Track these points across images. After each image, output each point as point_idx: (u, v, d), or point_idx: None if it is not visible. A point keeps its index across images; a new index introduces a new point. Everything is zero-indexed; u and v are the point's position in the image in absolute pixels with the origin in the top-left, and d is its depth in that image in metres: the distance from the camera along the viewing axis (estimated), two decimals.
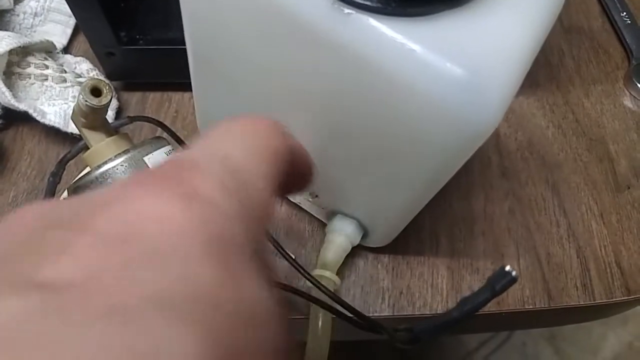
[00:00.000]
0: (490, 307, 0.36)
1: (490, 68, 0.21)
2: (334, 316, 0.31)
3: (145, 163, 0.29)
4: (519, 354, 1.20)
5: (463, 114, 0.21)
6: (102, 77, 0.40)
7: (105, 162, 0.29)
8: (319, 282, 0.31)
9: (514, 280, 0.21)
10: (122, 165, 0.29)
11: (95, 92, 0.27)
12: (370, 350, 1.07)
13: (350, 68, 0.21)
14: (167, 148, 0.31)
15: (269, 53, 0.24)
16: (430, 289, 0.36)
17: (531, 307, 0.36)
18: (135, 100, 0.43)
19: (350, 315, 0.29)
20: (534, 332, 1.21)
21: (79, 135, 0.37)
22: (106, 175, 0.29)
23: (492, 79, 0.21)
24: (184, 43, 0.39)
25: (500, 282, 0.21)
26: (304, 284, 0.34)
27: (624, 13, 0.48)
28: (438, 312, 0.35)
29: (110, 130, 0.31)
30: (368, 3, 0.20)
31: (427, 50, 0.20)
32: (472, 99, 0.21)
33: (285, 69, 0.24)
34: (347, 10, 0.20)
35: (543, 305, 0.36)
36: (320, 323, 0.31)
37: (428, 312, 0.35)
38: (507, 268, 0.21)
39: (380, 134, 0.24)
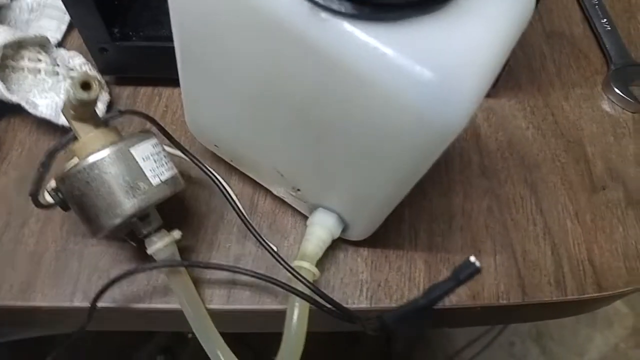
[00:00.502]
0: (466, 302, 0.37)
1: (458, 72, 0.22)
2: (310, 306, 0.32)
3: (132, 154, 0.31)
4: (506, 354, 1.21)
5: (432, 115, 0.22)
6: (94, 72, 0.41)
7: (93, 153, 0.30)
8: (298, 273, 0.32)
9: (477, 270, 0.22)
10: (109, 157, 0.30)
11: (85, 86, 0.28)
12: (354, 351, 1.08)
13: (327, 69, 0.23)
14: (154, 141, 0.32)
15: (252, 53, 0.25)
16: (407, 282, 0.37)
17: (505, 302, 0.37)
18: (126, 94, 0.44)
19: (327, 305, 0.31)
20: (521, 331, 1.23)
21: (70, 127, 0.38)
22: (93, 166, 0.30)
23: (460, 82, 0.22)
24: (171, 40, 0.40)
25: (464, 272, 0.22)
26: (284, 275, 0.35)
27: (605, 20, 0.50)
28: None
29: (99, 123, 0.32)
30: (343, 9, 0.21)
31: (398, 53, 0.21)
32: (441, 100, 0.22)
33: (267, 69, 0.25)
34: (323, 16, 0.21)
35: (517, 301, 0.37)
36: (296, 312, 0.32)
37: None
38: (472, 259, 0.22)
39: (356, 132, 0.25)
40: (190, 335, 1.13)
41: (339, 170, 0.30)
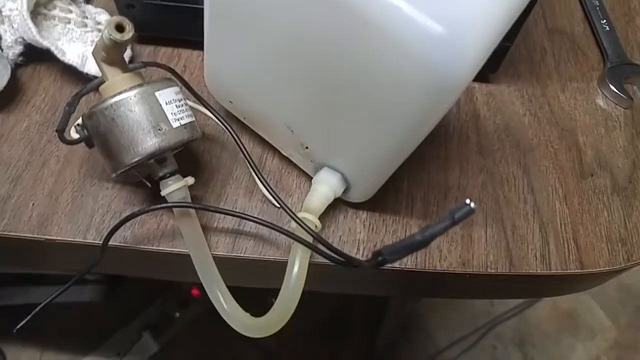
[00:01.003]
0: (457, 268, 0.39)
1: (467, 27, 0.24)
2: (311, 259, 0.34)
3: (156, 97, 0.33)
4: (488, 357, 1.23)
5: (440, 66, 0.24)
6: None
7: (120, 93, 0.32)
8: (302, 221, 0.34)
9: (471, 211, 0.24)
10: (135, 97, 0.32)
11: (119, 28, 0.31)
12: (338, 350, 1.11)
13: (347, 21, 0.25)
14: (177, 88, 0.34)
15: (281, 6, 0.28)
16: None
17: (493, 271, 0.40)
18: (147, 52, 0.46)
19: (328, 251, 0.33)
20: (504, 336, 1.25)
21: (93, 76, 0.41)
22: (120, 103, 0.32)
23: (467, 38, 0.24)
24: (196, 2, 0.43)
25: (459, 212, 0.24)
26: (288, 227, 0.37)
27: (604, 20, 0.52)
28: (407, 265, 0.39)
29: (126, 68, 0.34)
30: None
31: (411, 7, 0.24)
32: (449, 53, 0.24)
33: (292, 21, 0.28)
34: None
35: (504, 271, 0.40)
36: (298, 260, 0.35)
37: (398, 266, 0.39)
38: (467, 201, 0.24)
39: (369, 83, 0.27)
40: (177, 315, 1.15)
41: (347, 124, 0.32)
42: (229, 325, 0.35)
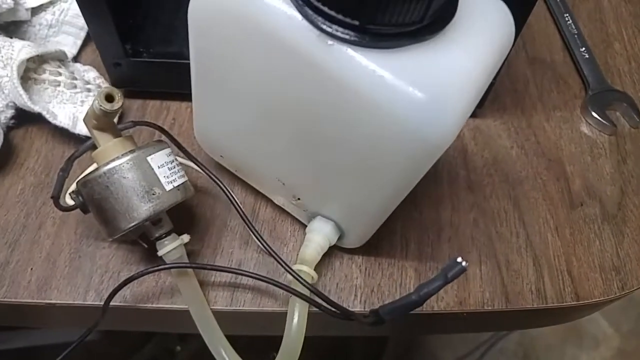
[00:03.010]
0: (453, 308, 0.40)
1: (446, 93, 0.25)
2: (310, 308, 0.35)
3: (149, 162, 0.33)
4: None
5: (423, 130, 0.25)
6: (108, 85, 0.44)
7: (113, 160, 0.33)
8: (298, 275, 0.35)
9: (463, 269, 0.25)
10: (127, 163, 0.33)
11: (109, 98, 0.31)
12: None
13: (331, 88, 0.26)
14: (168, 150, 0.35)
15: (263, 72, 0.28)
16: (399, 288, 0.40)
17: (490, 308, 0.40)
18: (136, 106, 0.47)
19: (325, 304, 0.33)
20: (508, 350, 1.25)
21: (85, 136, 0.41)
22: (113, 171, 0.33)
23: (448, 102, 0.25)
24: (182, 57, 0.44)
25: (451, 271, 0.25)
26: (284, 279, 0.38)
27: (583, 48, 0.53)
28: None
29: (117, 133, 0.35)
30: (347, 37, 0.24)
31: (394, 76, 0.24)
32: (431, 118, 0.25)
33: (276, 86, 0.28)
34: (329, 42, 0.24)
35: (501, 307, 0.40)
36: (296, 313, 0.35)
37: None
38: (458, 259, 0.25)
39: (354, 146, 0.28)
40: (178, 349, 1.15)
41: (337, 180, 0.33)
42: None
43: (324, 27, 0.24)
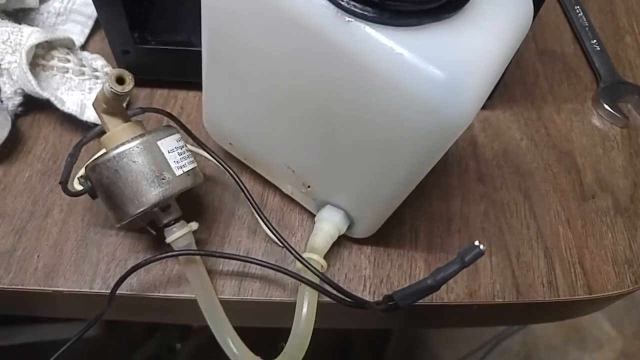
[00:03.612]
0: (464, 299, 0.39)
1: (466, 72, 0.24)
2: (319, 299, 0.34)
3: (158, 147, 0.33)
4: None
5: (442, 110, 0.25)
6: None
7: (123, 144, 0.32)
8: (308, 263, 0.34)
9: (481, 253, 0.24)
10: (137, 147, 0.32)
11: (120, 80, 0.31)
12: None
13: (348, 67, 0.25)
14: (178, 135, 0.35)
15: (279, 52, 0.28)
16: (408, 278, 0.39)
17: (500, 300, 0.39)
18: (143, 95, 0.46)
19: (336, 293, 0.33)
20: (510, 350, 1.24)
21: (92, 123, 0.41)
22: (122, 155, 0.32)
23: (467, 82, 0.25)
24: (190, 45, 0.43)
25: (468, 255, 0.24)
26: (293, 268, 0.37)
27: (594, 41, 0.53)
28: None
29: (127, 117, 0.34)
30: (365, 13, 0.23)
31: (413, 55, 0.24)
32: (450, 97, 0.24)
33: (292, 67, 0.28)
34: (347, 19, 0.24)
35: (512, 299, 0.39)
36: (306, 302, 0.34)
37: None
38: (476, 243, 0.24)
39: (371, 126, 0.28)
40: (179, 346, 1.14)
41: (349, 165, 0.32)
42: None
43: (342, 3, 0.23)
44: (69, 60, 0.40)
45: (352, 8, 0.23)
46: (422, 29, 0.24)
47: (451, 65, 0.24)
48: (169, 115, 0.37)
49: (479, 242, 0.25)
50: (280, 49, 0.28)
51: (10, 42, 0.39)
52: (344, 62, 0.25)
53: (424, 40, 0.24)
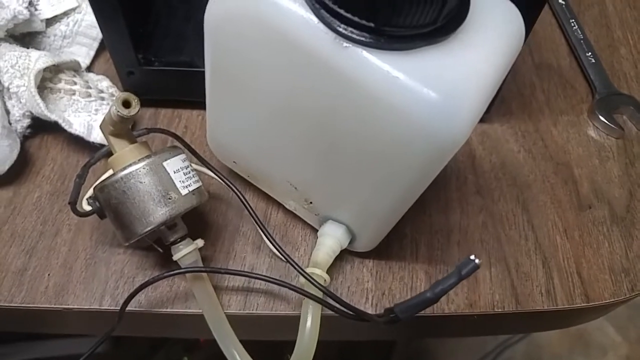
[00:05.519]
0: (464, 310, 0.40)
1: (460, 94, 0.25)
2: (322, 312, 0.35)
3: (164, 167, 0.34)
4: None
5: (437, 131, 0.26)
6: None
7: (130, 165, 0.33)
8: (312, 278, 0.35)
9: (476, 267, 0.25)
10: (144, 168, 0.33)
11: (126, 104, 0.32)
12: None
13: (346, 90, 0.26)
14: (183, 155, 0.36)
15: (279, 76, 0.29)
16: (409, 291, 0.40)
17: (500, 310, 0.40)
18: (148, 115, 0.48)
19: (339, 306, 0.34)
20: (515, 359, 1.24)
21: (99, 144, 0.42)
22: (130, 176, 0.33)
23: (461, 102, 0.26)
24: (193, 66, 0.45)
25: (465, 268, 0.25)
26: (297, 282, 0.38)
27: (589, 53, 0.54)
28: None
29: (133, 139, 0.35)
30: (362, 39, 0.24)
31: (408, 77, 0.25)
32: (445, 118, 0.25)
33: (292, 89, 0.29)
34: (345, 44, 0.25)
35: (511, 309, 0.40)
36: (310, 316, 0.35)
37: None
38: (472, 257, 0.25)
39: (368, 147, 0.29)
40: (185, 359, 1.15)
41: (350, 182, 0.33)
42: None
43: (340, 29, 0.24)
44: (75, 83, 0.42)
45: (350, 34, 0.24)
46: (417, 53, 0.25)
47: (445, 87, 0.25)
48: (174, 136, 0.38)
49: (475, 256, 0.26)
50: (281, 70, 0.29)
51: (19, 67, 0.40)
52: (343, 85, 0.26)
53: (419, 64, 0.25)
